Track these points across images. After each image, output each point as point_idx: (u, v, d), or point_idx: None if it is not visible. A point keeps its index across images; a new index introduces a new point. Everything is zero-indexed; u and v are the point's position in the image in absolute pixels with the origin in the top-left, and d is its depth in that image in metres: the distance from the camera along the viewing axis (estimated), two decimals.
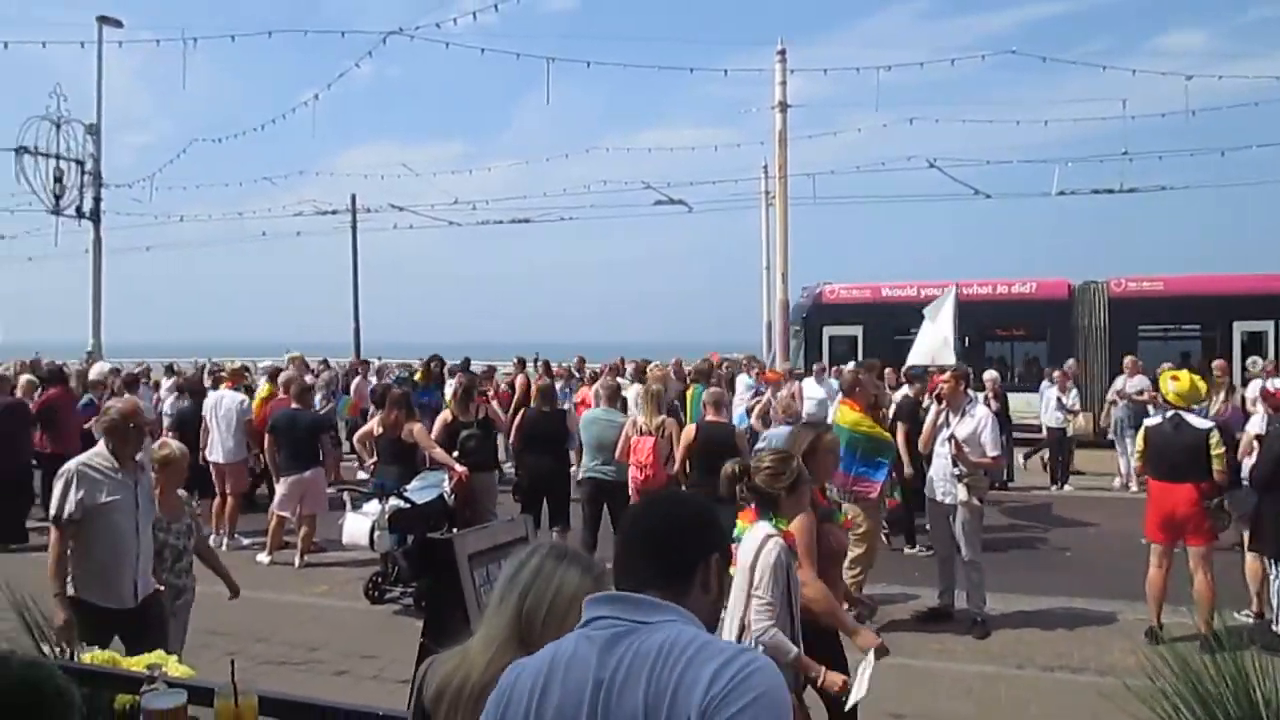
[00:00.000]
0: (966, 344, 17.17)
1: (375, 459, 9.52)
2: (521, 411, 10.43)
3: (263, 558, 10.01)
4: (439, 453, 9.01)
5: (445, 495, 8.62)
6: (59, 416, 11.93)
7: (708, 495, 8.06)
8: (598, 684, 1.66)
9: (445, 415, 9.61)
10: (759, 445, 8.51)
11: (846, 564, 7.52)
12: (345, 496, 9.48)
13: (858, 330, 20.53)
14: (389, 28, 25.82)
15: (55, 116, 22.61)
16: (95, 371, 14.27)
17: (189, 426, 11.21)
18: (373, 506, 8.58)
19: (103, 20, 22.96)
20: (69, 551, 4.85)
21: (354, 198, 30.96)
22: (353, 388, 17.36)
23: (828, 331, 20.96)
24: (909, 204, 29.90)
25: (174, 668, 3.86)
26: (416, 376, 17.01)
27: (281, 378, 12.17)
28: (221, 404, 11.16)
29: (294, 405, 10.44)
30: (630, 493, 8.57)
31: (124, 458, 4.94)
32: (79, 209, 23.50)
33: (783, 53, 17.97)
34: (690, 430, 8.72)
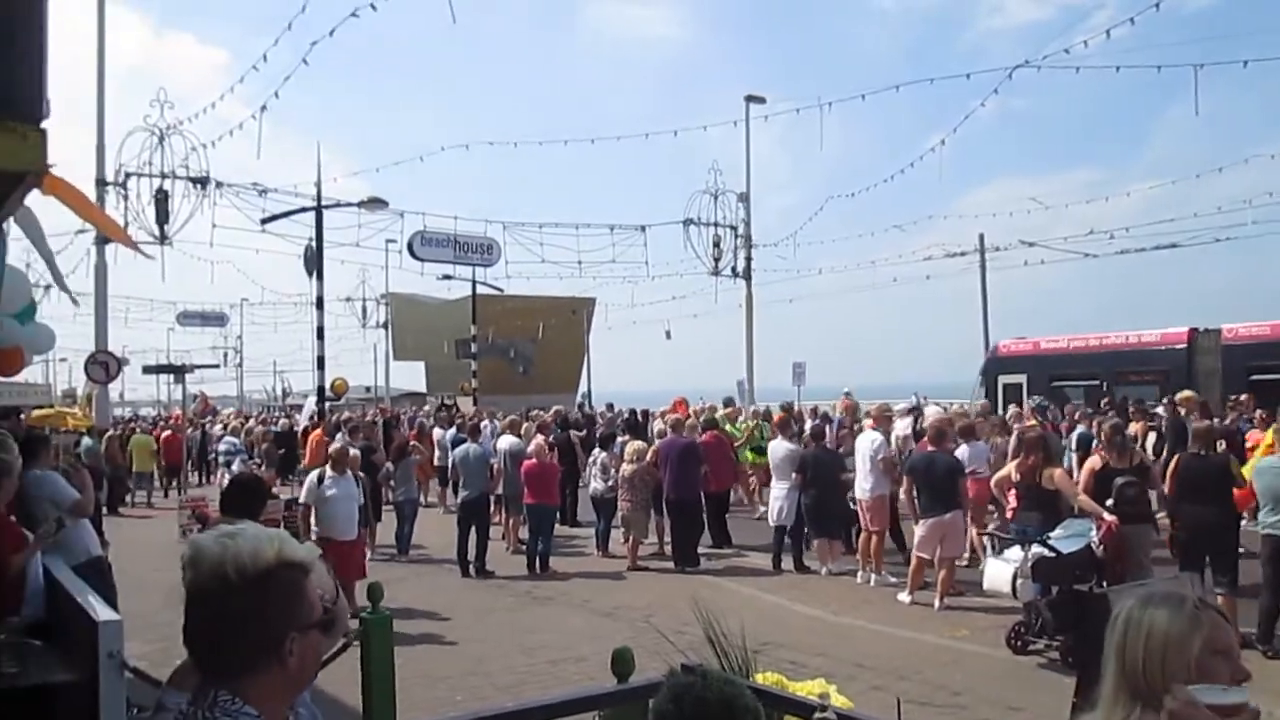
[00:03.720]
0: (1104, 388, 20.92)
1: (1015, 504, 9.28)
2: (1177, 456, 9.44)
3: (903, 596, 10.24)
4: (1085, 500, 8.50)
5: (1093, 545, 8.12)
6: (715, 458, 13.71)
7: None
8: None
9: (1094, 461, 9.02)
10: None
11: None
12: (986, 541, 9.36)
13: (1023, 378, 23.25)
14: (1014, 61, 25.47)
15: (713, 189, 25.98)
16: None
17: (822, 471, 11.86)
18: (1015, 553, 8.36)
19: (749, 99, 25.71)
20: None
21: (981, 237, 30.94)
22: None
23: (1001, 380, 23.84)
24: None
25: (835, 697, 4.11)
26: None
27: (929, 422, 12.28)
28: (862, 444, 11.68)
29: (931, 448, 10.56)
30: None
31: None
32: (734, 269, 26.58)
33: None
34: None
